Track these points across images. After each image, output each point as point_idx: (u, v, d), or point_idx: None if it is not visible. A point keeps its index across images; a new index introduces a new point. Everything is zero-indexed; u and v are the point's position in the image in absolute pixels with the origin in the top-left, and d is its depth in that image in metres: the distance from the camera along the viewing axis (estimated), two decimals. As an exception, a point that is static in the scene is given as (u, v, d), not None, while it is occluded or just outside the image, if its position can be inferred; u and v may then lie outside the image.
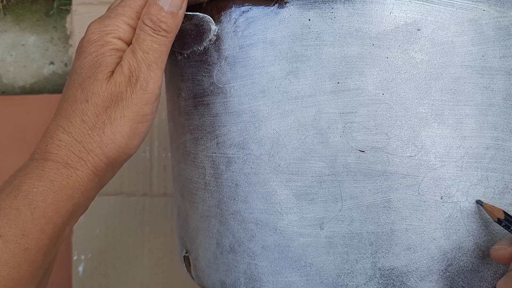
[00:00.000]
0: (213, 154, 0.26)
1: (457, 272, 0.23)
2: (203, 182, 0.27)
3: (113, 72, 0.25)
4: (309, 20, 0.23)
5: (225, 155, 0.26)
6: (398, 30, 0.22)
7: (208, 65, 0.26)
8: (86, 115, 0.25)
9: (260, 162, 0.24)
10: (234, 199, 0.26)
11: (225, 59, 0.25)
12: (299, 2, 0.23)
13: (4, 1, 0.56)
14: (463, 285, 0.24)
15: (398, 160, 0.23)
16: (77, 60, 0.26)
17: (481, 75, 0.23)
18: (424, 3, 0.22)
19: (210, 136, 0.26)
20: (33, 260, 0.23)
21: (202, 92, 0.26)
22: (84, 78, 0.25)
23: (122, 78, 0.25)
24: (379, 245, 0.23)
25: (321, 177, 0.23)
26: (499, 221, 0.22)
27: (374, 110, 0.23)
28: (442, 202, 0.23)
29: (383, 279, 0.23)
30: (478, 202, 0.23)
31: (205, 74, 0.26)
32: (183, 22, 0.26)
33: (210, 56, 0.26)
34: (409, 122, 0.23)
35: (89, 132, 0.25)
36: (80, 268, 0.52)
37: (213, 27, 0.25)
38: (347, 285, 0.23)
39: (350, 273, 0.23)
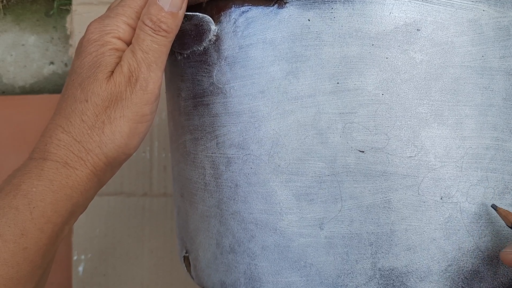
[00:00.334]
0: (213, 154, 0.26)
1: (457, 272, 0.23)
2: (203, 182, 0.27)
3: (112, 72, 0.25)
4: (309, 20, 0.23)
5: (225, 155, 0.26)
6: (398, 30, 0.22)
7: (208, 65, 0.26)
8: (86, 114, 0.25)
9: (260, 162, 0.24)
10: (234, 199, 0.26)
11: (224, 59, 0.25)
12: (298, 3, 0.23)
13: (4, 1, 0.56)
14: (463, 285, 0.23)
15: (397, 161, 0.23)
16: (76, 60, 0.26)
17: (480, 75, 0.23)
18: (424, 3, 0.22)
19: (210, 136, 0.26)
20: (32, 259, 0.23)
21: (202, 92, 0.26)
22: (84, 78, 0.25)
23: (121, 78, 0.25)
24: (379, 246, 0.23)
25: (320, 178, 0.23)
26: None
27: (373, 111, 0.23)
28: (442, 202, 0.23)
29: (383, 279, 0.23)
30: (493, 207, 0.23)
31: (205, 74, 0.26)
32: (183, 22, 0.26)
33: (210, 56, 0.26)
34: (408, 122, 0.23)
35: (89, 131, 0.25)
36: (80, 268, 0.52)
37: (213, 27, 0.25)
38: (347, 285, 0.23)
39: (350, 273, 0.23)
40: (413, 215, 0.23)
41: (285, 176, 0.24)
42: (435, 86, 0.23)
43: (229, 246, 0.26)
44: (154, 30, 0.25)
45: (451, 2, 0.23)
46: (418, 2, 0.22)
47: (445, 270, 0.23)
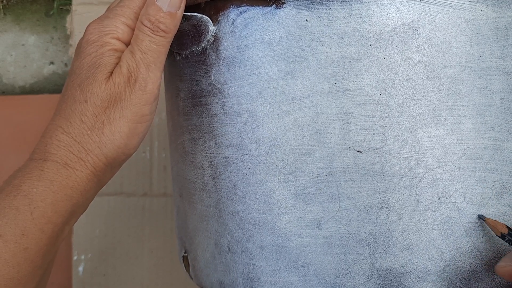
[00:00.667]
0: (211, 155, 0.26)
1: (454, 272, 0.23)
2: (201, 182, 0.27)
3: (112, 72, 0.25)
4: (307, 20, 0.23)
5: (223, 156, 0.26)
6: (395, 30, 0.22)
7: (206, 65, 0.26)
8: (85, 115, 0.25)
9: (258, 163, 0.24)
10: (232, 199, 0.26)
11: (223, 60, 0.25)
12: (296, 3, 0.23)
13: (4, 1, 0.56)
14: (460, 285, 0.24)
15: (395, 161, 0.23)
16: (76, 61, 0.26)
17: (478, 75, 0.23)
18: (421, 3, 0.22)
19: (208, 137, 0.26)
20: (32, 259, 0.23)
21: (200, 93, 0.26)
22: (83, 78, 0.25)
23: (121, 78, 0.25)
24: (376, 246, 0.23)
25: (318, 178, 0.23)
26: (502, 236, 0.22)
27: (371, 111, 0.23)
28: (440, 202, 0.23)
29: (381, 279, 0.23)
30: (481, 217, 0.23)
31: (203, 75, 0.26)
32: (181, 23, 0.26)
33: (208, 56, 0.26)
34: (406, 122, 0.23)
35: (88, 132, 0.25)
36: (80, 268, 0.52)
37: (211, 27, 0.25)
38: (344, 285, 0.24)
39: (348, 273, 0.23)
40: (411, 215, 0.23)
41: (283, 176, 0.24)
42: (432, 86, 0.23)
43: (228, 246, 0.26)
44: (153, 31, 0.25)
45: (449, 2, 0.23)
46: (415, 2, 0.22)
47: (443, 270, 0.23)
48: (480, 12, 0.23)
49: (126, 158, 0.27)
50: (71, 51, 0.56)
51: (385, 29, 0.22)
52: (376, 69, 0.22)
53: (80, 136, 0.25)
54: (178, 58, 0.27)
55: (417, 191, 0.23)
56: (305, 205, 0.24)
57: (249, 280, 0.26)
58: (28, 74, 0.56)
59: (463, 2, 0.23)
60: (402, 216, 0.23)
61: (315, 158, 0.23)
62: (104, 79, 0.25)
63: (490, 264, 0.24)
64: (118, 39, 0.26)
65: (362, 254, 0.23)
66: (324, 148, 0.23)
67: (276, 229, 0.24)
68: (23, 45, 0.56)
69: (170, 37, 0.25)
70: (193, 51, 0.26)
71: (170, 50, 0.26)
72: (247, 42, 0.24)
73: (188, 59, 0.27)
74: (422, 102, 0.23)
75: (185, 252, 0.30)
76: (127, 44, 0.26)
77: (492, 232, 0.23)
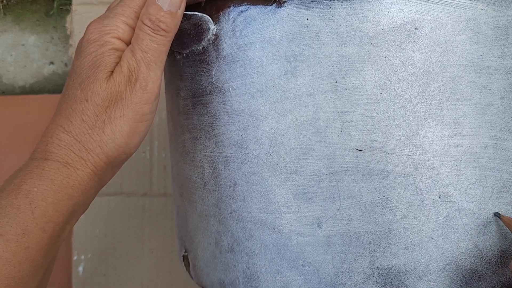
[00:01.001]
0: (212, 154, 0.26)
1: (455, 271, 0.23)
2: (202, 182, 0.27)
3: (112, 71, 0.25)
4: (307, 19, 0.23)
5: (223, 155, 0.26)
6: (396, 29, 0.22)
7: (206, 64, 0.26)
8: (86, 114, 0.25)
9: (259, 162, 0.24)
10: (232, 198, 0.26)
11: (223, 59, 0.25)
12: (297, 2, 0.23)
13: (4, 1, 0.56)
14: (461, 284, 0.24)
15: (396, 159, 0.23)
16: (76, 60, 0.26)
17: (479, 74, 0.23)
18: (422, 2, 0.22)
19: (208, 136, 0.26)
20: (33, 259, 0.23)
21: (200, 92, 0.26)
22: (84, 78, 0.25)
23: (121, 77, 0.25)
24: (377, 244, 0.23)
25: (319, 176, 0.23)
26: None
27: (372, 109, 0.23)
28: (440, 201, 0.23)
29: (381, 278, 0.23)
30: (496, 215, 0.23)
31: (203, 74, 0.26)
32: (182, 22, 0.26)
33: (208, 55, 0.26)
34: (407, 121, 0.23)
35: (89, 131, 0.25)
36: (80, 268, 0.52)
37: (212, 26, 0.25)
38: (345, 284, 0.24)
39: (348, 272, 0.23)
40: (411, 213, 0.23)
41: (283, 175, 0.24)
42: (433, 85, 0.23)
43: (228, 245, 0.26)
44: (153, 30, 0.25)
45: (449, 1, 0.23)
46: (416, 1, 0.22)
47: (444, 269, 0.23)
48: (481, 11, 0.23)
49: (127, 157, 0.27)
50: (71, 51, 0.56)
51: (386, 28, 0.22)
52: (377, 68, 0.22)
53: (81, 135, 0.25)
54: (178, 57, 0.28)
55: (417, 189, 0.23)
56: (305, 204, 0.24)
57: (249, 279, 0.26)
58: (28, 74, 0.56)
59: (464, 1, 0.23)
60: (402, 215, 0.23)
61: (316, 156, 0.23)
62: (104, 78, 0.25)
63: (490, 262, 0.24)
64: (118, 38, 0.26)
65: (362, 253, 0.23)
66: (324, 147, 0.23)
67: (277, 228, 0.24)
68: (23, 45, 0.56)
69: (171, 36, 0.25)
70: (193, 50, 0.26)
71: (170, 49, 0.26)
72: (248, 41, 0.24)
73: (189, 58, 0.27)
74: (423, 101, 0.23)
75: (185, 252, 0.30)
76: (128, 43, 0.26)
77: (494, 231, 0.24)
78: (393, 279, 0.23)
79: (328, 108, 0.23)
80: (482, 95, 0.23)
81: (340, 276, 0.24)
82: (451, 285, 0.23)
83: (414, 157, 0.23)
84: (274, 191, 0.24)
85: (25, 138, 0.54)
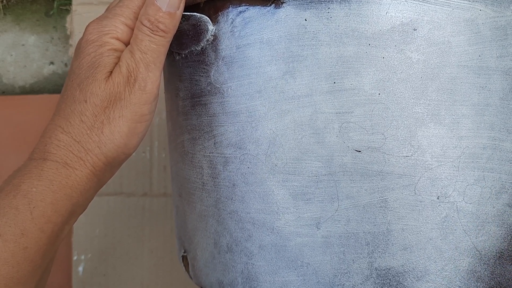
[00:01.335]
0: (211, 154, 0.26)
1: (454, 272, 0.23)
2: (200, 182, 0.27)
3: (111, 72, 0.25)
4: (306, 20, 0.23)
5: (222, 155, 0.26)
6: (394, 30, 0.22)
7: (205, 65, 0.26)
8: (85, 115, 0.25)
9: (257, 162, 0.24)
10: (231, 199, 0.26)
11: (222, 59, 0.25)
12: (295, 2, 0.23)
13: (4, 1, 0.56)
14: (459, 285, 0.24)
15: (394, 160, 0.23)
16: (75, 61, 0.26)
17: (477, 75, 0.23)
18: (420, 3, 0.22)
19: (207, 136, 0.26)
20: (32, 259, 0.23)
21: (199, 92, 0.26)
22: (83, 78, 0.25)
23: (120, 78, 0.25)
24: (375, 245, 0.23)
25: (317, 177, 0.23)
26: None
27: (370, 110, 0.23)
28: (439, 202, 0.23)
29: (380, 279, 0.23)
30: None
31: (202, 74, 0.26)
32: (180, 23, 0.26)
33: (207, 56, 0.26)
34: (405, 122, 0.23)
35: (88, 132, 0.25)
36: (80, 268, 0.52)
37: (211, 27, 0.25)
38: (343, 285, 0.24)
39: (347, 273, 0.23)
40: (410, 214, 0.23)
41: (282, 175, 0.24)
42: (431, 85, 0.23)
43: (227, 246, 0.26)
44: (152, 30, 0.25)
45: (447, 1, 0.23)
46: (414, 1, 0.22)
47: (442, 269, 0.23)
48: (479, 11, 0.23)
49: (126, 158, 0.27)
50: (71, 51, 0.56)
51: (384, 28, 0.22)
52: (375, 69, 0.22)
53: (79, 136, 0.25)
54: (177, 58, 0.28)
55: (416, 190, 0.23)
56: (304, 204, 0.24)
57: (248, 279, 0.26)
58: (28, 74, 0.56)
59: (462, 1, 0.23)
60: (401, 216, 0.23)
61: (314, 157, 0.23)
62: (103, 78, 0.25)
63: (489, 263, 0.24)
64: (117, 39, 0.26)
65: (361, 254, 0.23)
66: (323, 148, 0.23)
67: (275, 228, 0.24)
68: (23, 45, 0.56)
69: (170, 36, 0.25)
70: (192, 50, 0.26)
71: (169, 50, 0.26)
72: (246, 42, 0.24)
73: (188, 59, 0.27)
74: (421, 102, 0.23)
75: (184, 252, 0.31)
76: (127, 44, 0.26)
77: (493, 231, 0.23)
78: (392, 280, 0.23)
79: (327, 109, 0.23)
80: (481, 96, 0.23)
81: (339, 277, 0.24)
82: (450, 286, 0.23)
83: (413, 158, 0.23)
84: (272, 192, 0.24)
85: (25, 138, 0.54)
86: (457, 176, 0.23)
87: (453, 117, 0.23)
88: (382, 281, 0.23)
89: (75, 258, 0.52)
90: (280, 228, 0.24)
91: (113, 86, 0.25)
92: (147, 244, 0.52)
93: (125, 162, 0.27)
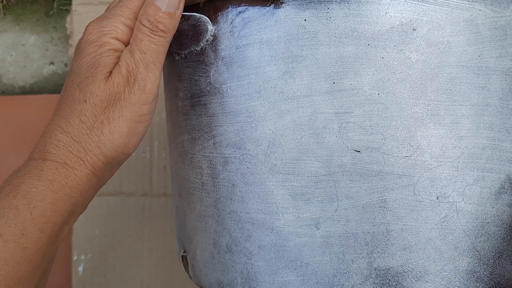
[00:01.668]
0: (210, 154, 0.26)
1: (453, 272, 0.23)
2: (200, 182, 0.27)
3: (111, 72, 0.25)
4: (305, 20, 0.23)
5: (222, 155, 0.26)
6: (394, 30, 0.22)
7: (205, 65, 0.26)
8: (85, 115, 0.25)
9: (257, 162, 0.24)
10: (230, 199, 0.26)
11: (221, 59, 0.25)
12: (295, 3, 0.23)
13: (4, 1, 0.56)
14: (459, 285, 0.24)
15: (393, 160, 0.23)
16: (75, 61, 0.26)
17: (477, 75, 0.23)
18: (420, 3, 0.22)
19: (207, 136, 0.26)
20: (32, 259, 0.23)
21: (199, 92, 0.26)
22: (82, 78, 0.25)
23: (120, 78, 0.25)
24: (374, 245, 0.23)
25: (317, 177, 0.23)
26: None
27: (369, 110, 0.23)
28: (438, 202, 0.23)
29: (379, 279, 0.23)
30: None
31: (202, 74, 0.26)
32: (180, 23, 0.26)
33: (207, 56, 0.26)
34: (404, 122, 0.23)
35: (88, 132, 0.25)
36: (80, 268, 0.52)
37: (210, 27, 0.25)
38: (343, 285, 0.24)
39: (346, 273, 0.24)
40: (409, 214, 0.23)
41: (281, 175, 0.24)
42: (431, 85, 0.23)
43: (226, 246, 0.26)
44: (152, 31, 0.25)
45: (447, 2, 0.23)
46: (414, 2, 0.22)
47: (441, 269, 0.23)
48: (479, 11, 0.23)
49: (126, 158, 0.27)
50: (71, 51, 0.56)
51: (384, 28, 0.22)
52: (375, 69, 0.22)
53: (79, 136, 0.25)
54: (177, 58, 0.28)
55: (415, 190, 0.23)
56: (303, 204, 0.24)
57: (247, 279, 0.26)
58: (28, 74, 0.56)
59: (462, 1, 0.23)
60: (400, 216, 0.23)
61: (314, 157, 0.23)
62: (103, 79, 0.25)
63: (488, 263, 0.24)
64: (117, 39, 0.26)
65: (360, 254, 0.23)
66: (322, 148, 0.23)
67: (275, 228, 0.24)
68: (23, 45, 0.56)
69: (169, 37, 0.25)
70: (192, 51, 0.26)
71: (169, 50, 0.26)
72: (246, 42, 0.24)
73: (187, 59, 0.27)
74: (421, 102, 0.23)
75: (184, 252, 0.31)
76: (126, 44, 0.26)
77: (492, 231, 0.24)
78: (391, 280, 0.23)
79: (326, 109, 0.23)
80: (480, 96, 0.23)
81: (338, 277, 0.24)
82: (449, 286, 0.23)
83: (412, 158, 0.23)
84: (272, 192, 0.24)
85: (25, 138, 0.54)
86: (456, 176, 0.23)
87: (452, 117, 0.23)
88: (382, 281, 0.23)
89: (75, 258, 0.52)
90: (279, 228, 0.24)
91: (113, 86, 0.25)
92: (147, 244, 0.52)
93: (125, 162, 0.27)
